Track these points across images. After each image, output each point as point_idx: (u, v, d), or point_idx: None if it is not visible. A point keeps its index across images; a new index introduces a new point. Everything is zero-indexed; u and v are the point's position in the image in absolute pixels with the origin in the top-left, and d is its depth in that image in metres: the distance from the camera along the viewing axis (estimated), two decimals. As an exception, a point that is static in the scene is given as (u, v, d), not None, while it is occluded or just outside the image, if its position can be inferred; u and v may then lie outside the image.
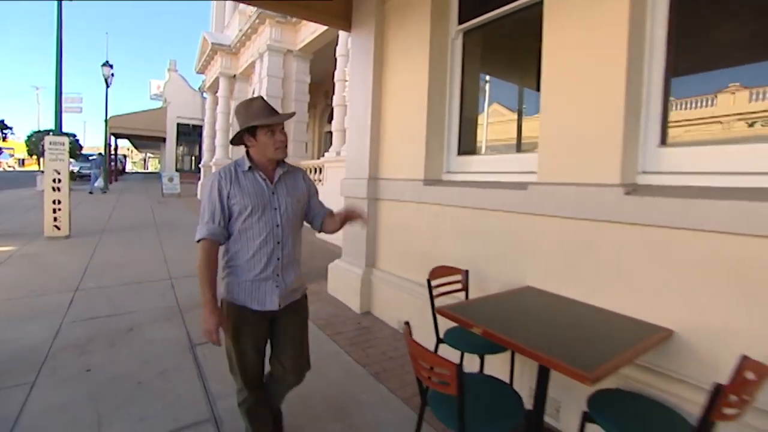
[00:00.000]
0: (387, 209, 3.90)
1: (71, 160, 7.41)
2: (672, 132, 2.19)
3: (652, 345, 1.77)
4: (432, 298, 2.44)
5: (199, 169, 17.62)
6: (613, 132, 2.13)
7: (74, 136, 39.68)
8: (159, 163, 42.88)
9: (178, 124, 25.88)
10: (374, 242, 4.03)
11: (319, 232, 2.03)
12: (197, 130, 24.40)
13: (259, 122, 1.67)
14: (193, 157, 29.64)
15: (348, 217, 1.96)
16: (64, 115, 8.81)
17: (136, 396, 2.53)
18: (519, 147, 3.36)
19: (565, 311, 2.09)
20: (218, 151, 13.89)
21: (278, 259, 1.78)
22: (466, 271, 2.63)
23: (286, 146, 1.78)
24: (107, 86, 18.45)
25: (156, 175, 27.36)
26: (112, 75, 18.39)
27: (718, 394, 1.30)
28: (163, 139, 26.63)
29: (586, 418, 1.69)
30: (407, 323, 1.65)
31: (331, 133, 9.59)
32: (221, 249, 1.75)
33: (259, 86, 10.96)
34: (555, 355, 1.52)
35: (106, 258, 6.06)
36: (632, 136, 2.16)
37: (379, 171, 4.02)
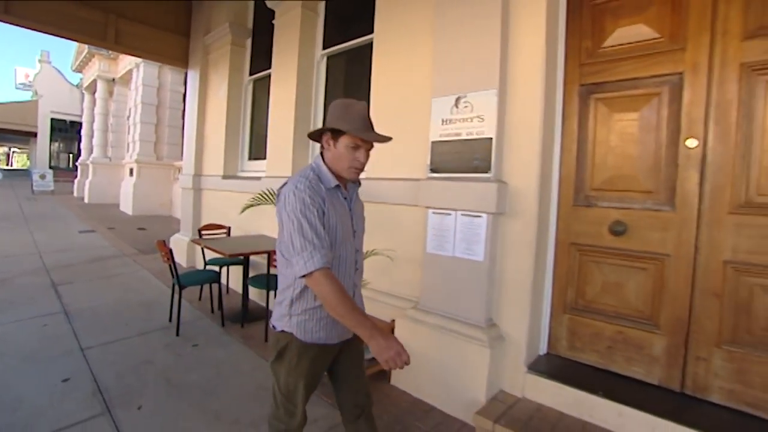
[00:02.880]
0: (205, 195, 5.75)
1: None
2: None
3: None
4: (200, 238, 4.35)
5: (76, 167, 17.56)
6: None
7: None
8: (28, 159, 39.24)
9: (52, 120, 24.68)
10: (199, 217, 5.82)
11: None
12: (76, 126, 23.57)
13: (352, 130, 1.42)
14: (71, 155, 28.20)
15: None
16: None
17: (10, 308, 4.04)
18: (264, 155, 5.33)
19: (254, 241, 4.10)
20: (96, 151, 14.36)
21: (355, 285, 1.61)
22: (229, 227, 4.59)
23: (362, 169, 1.51)
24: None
25: (22, 173, 25.61)
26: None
27: (269, 255, 3.39)
28: (34, 134, 25.14)
29: (245, 283, 3.72)
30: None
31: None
32: (292, 278, 1.47)
33: (135, 93, 12.01)
34: (220, 247, 3.52)
35: (-24, 240, 7.01)
36: (302, 152, 4.27)
37: (202, 169, 5.84)
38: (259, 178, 4.53)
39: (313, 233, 1.35)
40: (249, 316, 3.86)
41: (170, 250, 3.44)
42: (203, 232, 4.51)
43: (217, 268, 4.21)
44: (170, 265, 3.50)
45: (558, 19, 2.53)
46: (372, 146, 1.51)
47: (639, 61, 2.31)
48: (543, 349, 2.60)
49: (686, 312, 2.16)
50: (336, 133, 1.46)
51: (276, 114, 4.45)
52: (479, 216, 2.46)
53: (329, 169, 1.49)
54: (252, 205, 3.22)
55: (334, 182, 1.48)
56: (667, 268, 2.21)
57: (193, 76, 6.06)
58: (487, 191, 2.42)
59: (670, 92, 2.21)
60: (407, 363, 1.28)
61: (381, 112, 3.23)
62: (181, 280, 3.53)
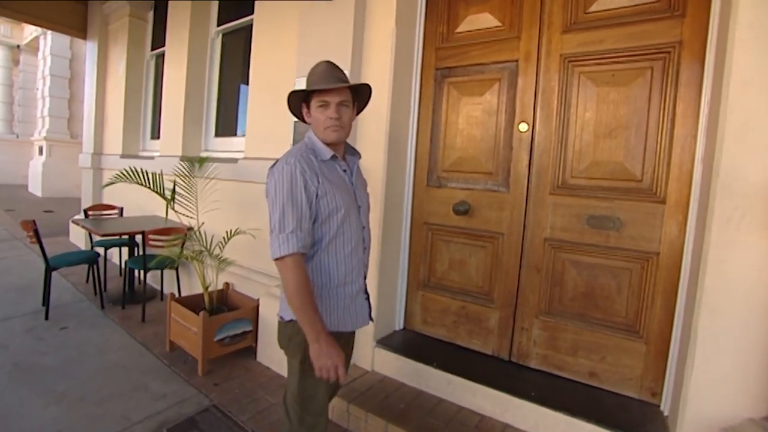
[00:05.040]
0: (106, 175, 5.44)
1: None
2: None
3: (173, 231, 3.71)
4: (86, 218, 4.14)
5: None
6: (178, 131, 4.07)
7: None
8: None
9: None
10: (99, 197, 5.51)
11: None
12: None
13: (308, 86, 1.36)
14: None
15: None
16: None
17: None
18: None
19: (140, 221, 3.96)
20: None
21: (365, 265, 1.51)
22: (122, 208, 4.40)
23: (343, 127, 1.36)
24: None
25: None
26: None
27: (144, 235, 3.27)
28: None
29: (127, 266, 3.59)
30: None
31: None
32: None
33: (44, 63, 11.07)
34: (97, 228, 3.37)
35: None
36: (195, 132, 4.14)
37: (102, 148, 5.52)
38: (153, 158, 4.35)
39: (294, 215, 1.26)
40: (134, 298, 3.74)
41: (36, 230, 3.25)
42: (91, 213, 4.28)
43: (102, 250, 4.04)
44: (39, 246, 3.32)
45: (417, 4, 2.58)
46: (345, 102, 1.36)
47: (485, 47, 2.41)
48: (400, 324, 2.71)
49: (515, 286, 2.32)
50: (307, 101, 1.38)
51: (169, 93, 4.27)
52: (335, 195, 2.50)
53: (321, 140, 1.39)
54: (113, 182, 3.09)
55: (329, 153, 1.37)
56: (501, 245, 2.36)
57: (92, 48, 5.66)
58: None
59: (508, 78, 2.33)
60: (341, 379, 1.25)
61: (257, 92, 3.20)
62: (51, 262, 3.36)
